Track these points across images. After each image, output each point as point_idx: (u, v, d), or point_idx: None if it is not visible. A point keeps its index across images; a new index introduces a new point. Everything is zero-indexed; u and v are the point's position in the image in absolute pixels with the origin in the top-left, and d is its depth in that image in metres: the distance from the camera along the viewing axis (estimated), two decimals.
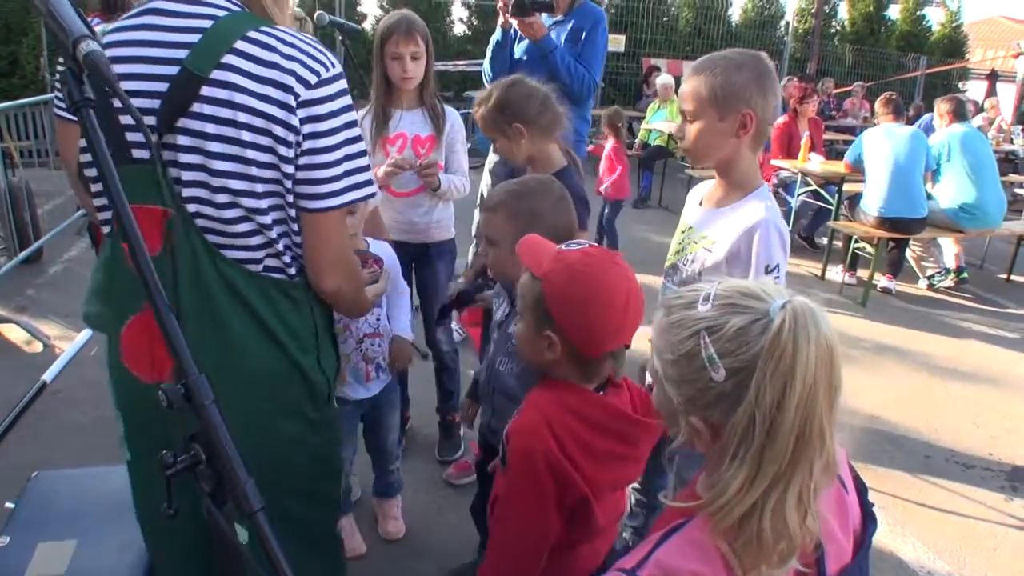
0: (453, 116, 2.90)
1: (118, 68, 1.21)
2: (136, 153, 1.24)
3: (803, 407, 0.87)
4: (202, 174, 1.24)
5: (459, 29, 14.10)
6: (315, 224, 1.34)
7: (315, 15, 3.38)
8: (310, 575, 0.81)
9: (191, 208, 1.26)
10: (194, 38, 1.21)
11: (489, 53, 3.66)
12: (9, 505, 2.22)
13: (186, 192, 1.25)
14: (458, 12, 14.23)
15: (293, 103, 1.23)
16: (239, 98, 1.20)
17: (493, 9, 3.48)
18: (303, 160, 1.27)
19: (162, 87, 1.21)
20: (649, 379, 1.12)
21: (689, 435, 0.99)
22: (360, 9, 13.61)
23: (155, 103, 1.21)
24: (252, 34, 1.23)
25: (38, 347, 4.21)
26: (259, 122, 1.22)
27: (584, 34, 3.52)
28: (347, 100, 1.31)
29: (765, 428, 0.87)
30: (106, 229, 1.35)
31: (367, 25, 13.17)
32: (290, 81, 1.22)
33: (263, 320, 1.33)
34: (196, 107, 1.20)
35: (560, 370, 1.47)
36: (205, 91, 1.20)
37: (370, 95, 2.86)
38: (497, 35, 3.59)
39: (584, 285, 1.39)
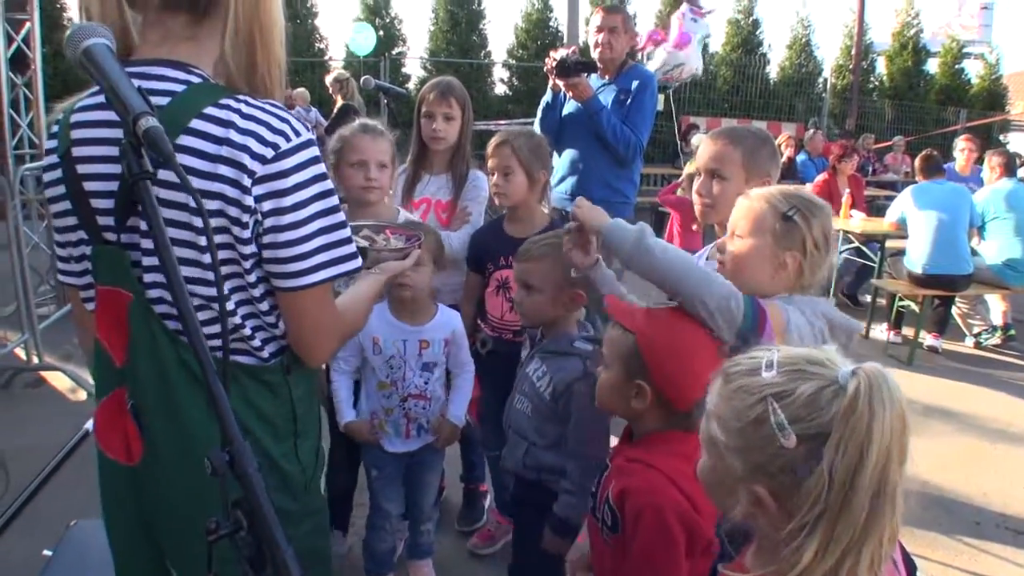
0: (475, 177, 2.86)
1: (82, 150, 1.19)
2: (108, 236, 1.20)
3: (878, 473, 0.86)
4: None
5: (500, 89, 14.46)
6: (292, 303, 1.24)
7: (362, 79, 3.50)
8: None
9: (153, 293, 1.19)
10: None
11: (539, 114, 3.73)
12: (47, 553, 2.25)
13: (147, 277, 1.19)
14: (499, 73, 14.66)
15: (247, 182, 1.14)
16: (195, 181, 1.11)
17: (533, 71, 3.57)
18: (267, 239, 1.18)
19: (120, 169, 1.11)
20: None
21: (749, 507, 0.96)
22: (404, 71, 14.03)
23: (113, 185, 1.15)
24: (209, 110, 1.14)
25: (82, 395, 4.29)
26: (212, 205, 1.14)
27: (631, 96, 3.55)
28: (317, 169, 1.21)
29: (841, 495, 0.86)
30: (90, 306, 1.30)
31: (411, 86, 13.56)
32: (243, 159, 1.13)
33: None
34: (154, 190, 1.10)
35: (647, 420, 1.57)
36: (161, 174, 1.08)
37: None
38: (547, 97, 3.66)
39: (680, 337, 1.53)
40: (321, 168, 1.22)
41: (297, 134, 1.19)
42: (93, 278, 1.25)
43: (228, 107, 1.16)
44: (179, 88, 1.16)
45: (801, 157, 9.17)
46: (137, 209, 1.13)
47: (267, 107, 1.19)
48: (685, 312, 1.55)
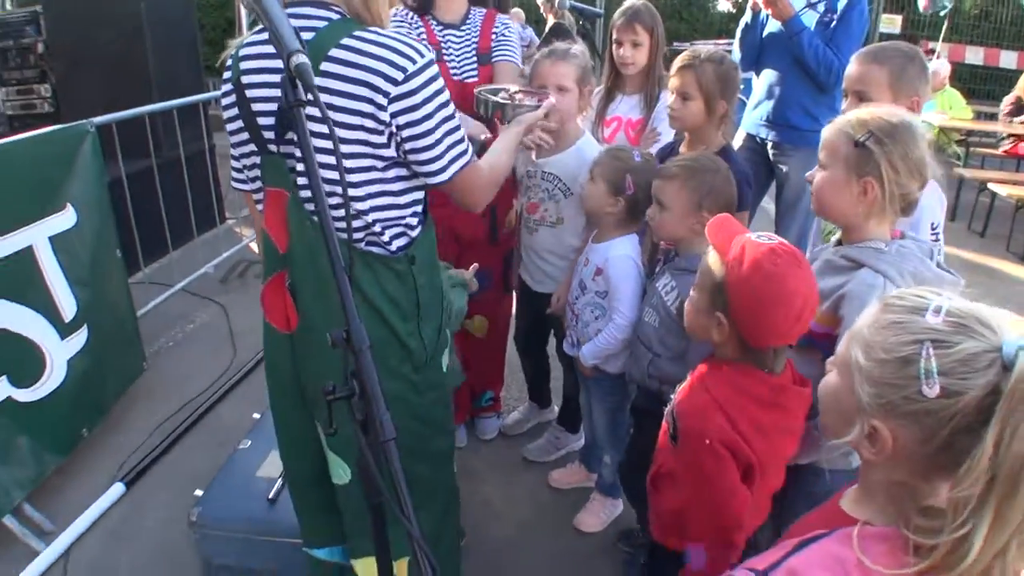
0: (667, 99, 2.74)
1: (250, 78, 1.45)
2: (271, 147, 1.47)
3: None
4: None
5: (723, 6, 13.75)
6: (449, 191, 1.56)
7: (556, 1, 3.54)
8: (420, 524, 0.92)
9: (304, 193, 1.44)
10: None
11: (738, 34, 3.61)
12: (256, 416, 2.66)
13: (300, 180, 1.43)
14: None
15: (383, 101, 1.37)
16: (336, 101, 1.37)
17: None
18: (407, 146, 1.44)
19: (278, 93, 1.37)
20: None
21: (860, 438, 0.96)
22: None
23: (273, 106, 1.43)
24: (345, 40, 1.37)
25: None
26: (352, 119, 1.38)
27: (838, 16, 3.30)
28: (438, 84, 1.44)
29: (1012, 476, 0.81)
30: (259, 207, 1.58)
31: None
32: (378, 81, 1.37)
33: (363, 289, 1.49)
34: (305, 110, 1.36)
35: (725, 350, 1.58)
36: (323, 96, 1.32)
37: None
38: (747, 16, 3.53)
39: (766, 283, 1.47)
40: (441, 82, 1.46)
41: (421, 55, 1.42)
42: (262, 182, 1.53)
43: (362, 38, 1.39)
44: (322, 24, 1.41)
45: None
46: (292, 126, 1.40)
47: (393, 35, 1.42)
48: (786, 253, 1.49)
